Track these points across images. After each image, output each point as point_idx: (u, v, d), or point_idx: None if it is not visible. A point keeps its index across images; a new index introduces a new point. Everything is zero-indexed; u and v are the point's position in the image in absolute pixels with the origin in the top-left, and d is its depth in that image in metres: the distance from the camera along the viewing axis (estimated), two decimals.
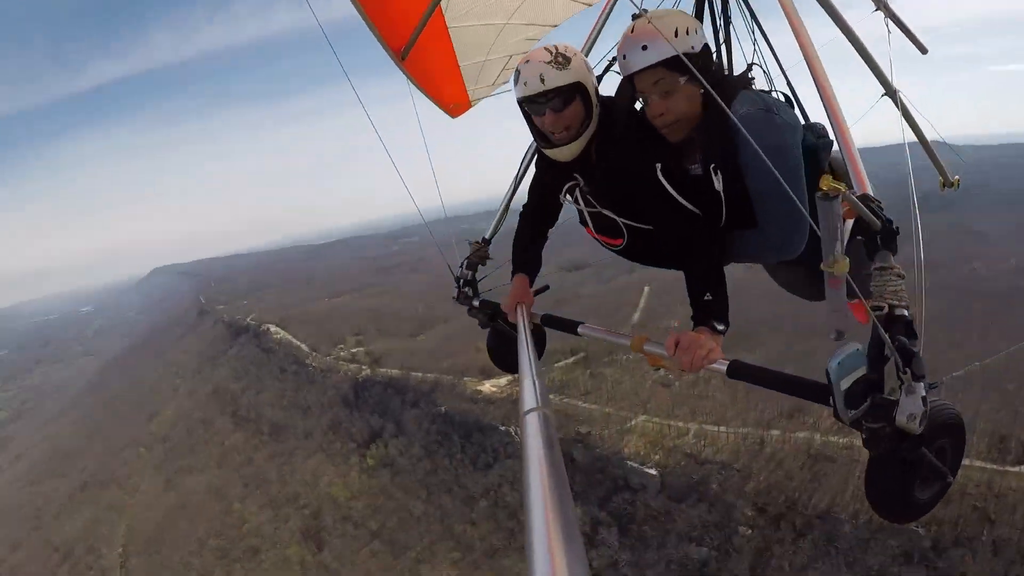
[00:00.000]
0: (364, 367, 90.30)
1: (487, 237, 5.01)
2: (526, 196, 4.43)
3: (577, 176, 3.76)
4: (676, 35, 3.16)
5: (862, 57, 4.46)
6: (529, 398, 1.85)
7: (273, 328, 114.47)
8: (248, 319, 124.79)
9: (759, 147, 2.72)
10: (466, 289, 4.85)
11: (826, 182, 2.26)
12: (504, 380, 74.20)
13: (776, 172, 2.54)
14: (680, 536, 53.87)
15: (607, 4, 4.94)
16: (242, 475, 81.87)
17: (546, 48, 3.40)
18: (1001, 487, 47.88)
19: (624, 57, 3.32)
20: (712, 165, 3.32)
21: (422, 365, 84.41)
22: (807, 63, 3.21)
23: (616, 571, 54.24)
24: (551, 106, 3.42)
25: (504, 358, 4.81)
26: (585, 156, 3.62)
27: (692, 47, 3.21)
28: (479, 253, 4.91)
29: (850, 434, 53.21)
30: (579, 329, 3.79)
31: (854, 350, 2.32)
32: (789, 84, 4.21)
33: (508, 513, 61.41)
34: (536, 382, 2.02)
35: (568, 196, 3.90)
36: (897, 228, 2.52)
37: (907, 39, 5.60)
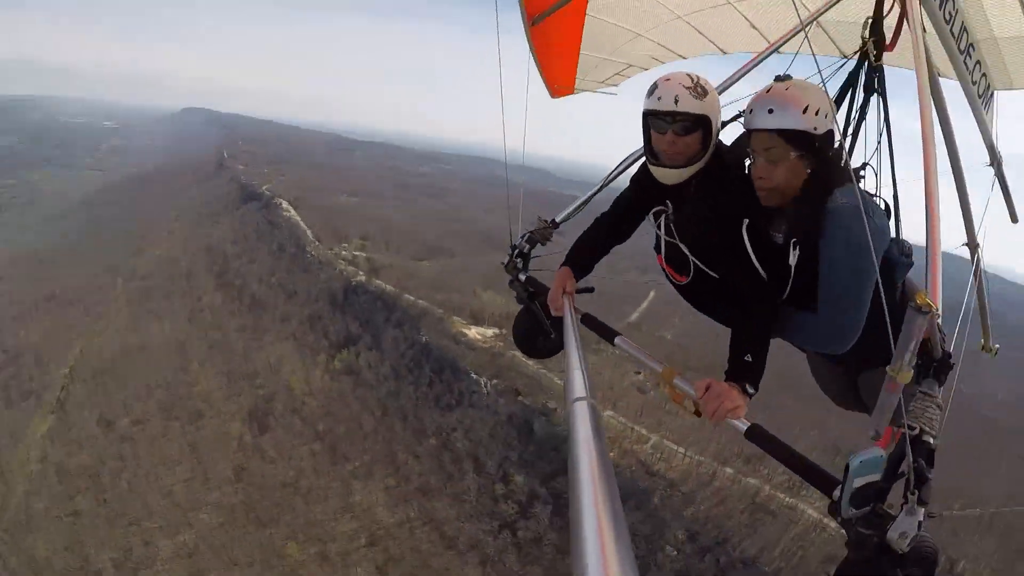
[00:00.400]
0: (361, 272, 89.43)
1: (556, 220, 4.85)
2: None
3: (668, 203, 3.82)
4: (805, 111, 3.21)
5: (960, 201, 4.57)
6: (578, 387, 1.89)
7: (285, 205, 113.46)
8: (264, 188, 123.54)
9: (845, 240, 3.20)
10: (517, 260, 4.74)
11: (921, 297, 2.48)
12: (491, 332, 74.39)
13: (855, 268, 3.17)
14: None
15: (759, 56, 4.85)
16: (209, 338, 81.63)
17: (688, 74, 3.45)
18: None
19: (751, 111, 3.36)
20: (793, 240, 3.40)
21: (417, 290, 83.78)
22: (925, 180, 3.08)
23: (538, 547, 54.82)
24: (674, 128, 3.45)
25: (527, 339, 4.95)
26: (684, 186, 3.67)
27: (815, 128, 3.24)
28: (543, 232, 4.77)
29: (797, 495, 55.38)
30: (616, 340, 3.80)
31: (877, 455, 2.41)
32: (895, 195, 4.17)
33: (453, 458, 61.53)
34: (584, 372, 2.05)
35: (653, 219, 3.96)
36: (953, 363, 2.79)
37: (1004, 201, 5.58)
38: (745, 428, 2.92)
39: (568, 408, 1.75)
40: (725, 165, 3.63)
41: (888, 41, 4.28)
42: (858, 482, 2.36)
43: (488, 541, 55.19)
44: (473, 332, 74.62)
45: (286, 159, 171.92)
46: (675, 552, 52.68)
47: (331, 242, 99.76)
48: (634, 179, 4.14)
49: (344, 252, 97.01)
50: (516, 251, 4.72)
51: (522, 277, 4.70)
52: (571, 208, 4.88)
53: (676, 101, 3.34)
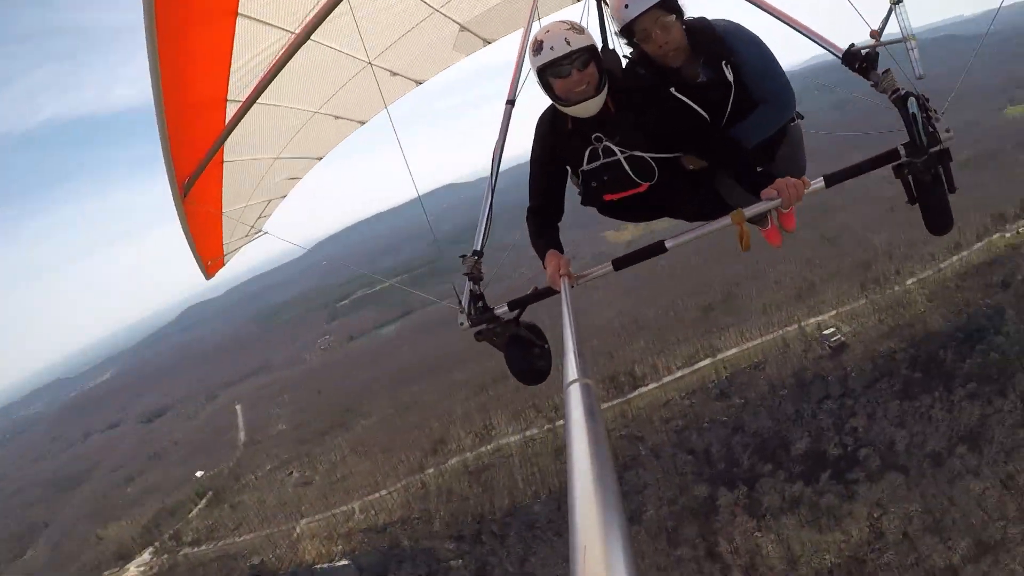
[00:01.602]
0: None
1: (478, 249, 4.65)
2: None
3: (600, 135, 4.16)
4: None
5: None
6: (572, 370, 1.90)
7: None
8: None
9: (747, 42, 4.36)
10: (477, 305, 4.44)
11: (873, 33, 4.18)
12: (147, 556, 66.64)
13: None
14: None
15: (523, 37, 5.75)
16: None
17: (559, 21, 4.01)
18: (632, 411, 61.24)
19: (626, 7, 4.20)
20: (724, 62, 4.38)
21: None
22: None
23: None
24: (576, 66, 3.89)
25: (527, 368, 4.54)
26: (603, 110, 4.12)
27: None
28: (476, 267, 4.51)
29: (492, 441, 61.69)
30: (667, 243, 4.07)
31: (915, 103, 3.60)
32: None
33: None
34: (578, 354, 2.07)
35: (583, 165, 4.26)
36: (877, 54, 4.03)
37: None
38: (822, 183, 3.76)
39: (564, 391, 1.75)
40: (616, 73, 4.38)
41: None
42: (916, 117, 3.55)
43: None
44: (132, 571, 65.95)
45: None
46: (459, 560, 55.61)
47: None
48: (540, 159, 4.46)
49: None
50: (471, 299, 4.46)
51: (499, 311, 4.44)
52: (482, 230, 4.79)
53: (567, 42, 3.82)
